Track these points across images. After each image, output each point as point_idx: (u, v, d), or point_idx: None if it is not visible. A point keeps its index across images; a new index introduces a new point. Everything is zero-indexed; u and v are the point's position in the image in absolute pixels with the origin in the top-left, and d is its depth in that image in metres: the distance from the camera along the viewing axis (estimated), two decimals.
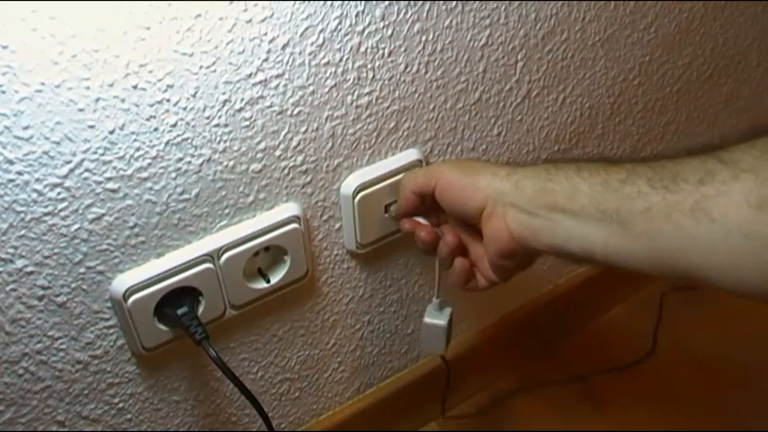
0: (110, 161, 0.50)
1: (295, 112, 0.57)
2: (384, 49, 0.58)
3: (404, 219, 0.62)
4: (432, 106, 0.65)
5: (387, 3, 0.56)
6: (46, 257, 0.51)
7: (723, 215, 0.42)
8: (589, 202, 0.49)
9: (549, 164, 0.53)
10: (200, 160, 0.54)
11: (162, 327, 0.57)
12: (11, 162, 0.46)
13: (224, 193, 0.57)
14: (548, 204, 0.51)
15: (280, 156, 0.58)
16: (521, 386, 0.94)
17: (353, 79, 0.58)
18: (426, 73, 0.62)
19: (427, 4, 0.59)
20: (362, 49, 0.57)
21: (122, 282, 0.54)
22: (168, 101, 0.50)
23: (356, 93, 0.59)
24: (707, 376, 0.94)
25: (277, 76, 0.54)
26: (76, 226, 0.51)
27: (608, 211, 0.47)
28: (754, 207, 0.41)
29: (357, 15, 0.55)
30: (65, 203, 0.50)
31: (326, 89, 0.57)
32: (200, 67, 0.50)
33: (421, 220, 0.61)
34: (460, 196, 0.56)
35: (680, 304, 1.04)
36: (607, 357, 0.97)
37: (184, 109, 0.51)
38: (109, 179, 0.50)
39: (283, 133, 0.57)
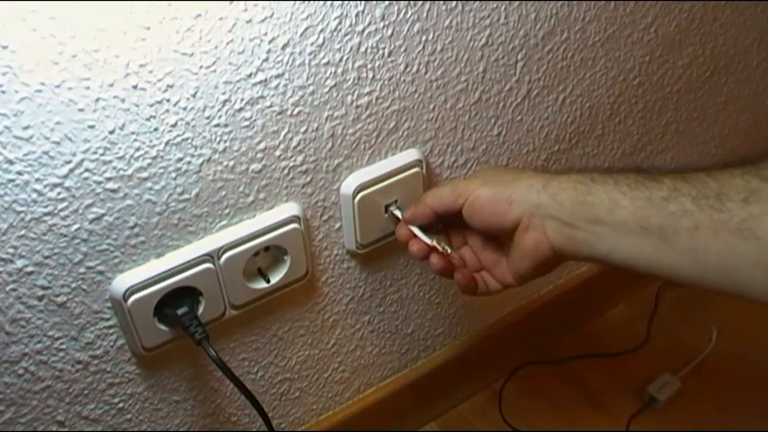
0: (110, 161, 0.50)
1: (295, 112, 0.57)
2: (384, 49, 0.58)
3: (401, 225, 0.62)
4: (432, 106, 0.65)
5: (387, 3, 0.56)
6: (46, 257, 0.51)
7: None
8: (632, 218, 0.49)
9: (584, 176, 0.53)
10: (200, 160, 0.54)
11: (162, 327, 0.57)
12: (11, 162, 0.46)
13: (224, 193, 0.57)
14: (588, 218, 0.51)
15: (280, 156, 0.58)
16: (520, 386, 0.94)
17: (353, 79, 0.58)
18: (426, 73, 0.62)
19: (427, 4, 0.59)
20: (362, 49, 0.57)
21: (122, 282, 0.54)
22: (168, 101, 0.50)
23: (356, 93, 0.59)
24: (701, 369, 0.94)
25: (277, 76, 0.54)
26: (76, 226, 0.51)
27: (652, 228, 0.48)
28: None
29: (357, 15, 0.55)
30: (65, 203, 0.50)
31: (326, 89, 0.57)
32: (200, 67, 0.50)
33: (416, 231, 0.61)
34: (493, 212, 0.56)
35: (676, 299, 1.04)
36: (603, 350, 0.98)
37: (184, 109, 0.51)
38: (109, 179, 0.50)
39: (283, 133, 0.57)
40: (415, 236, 0.61)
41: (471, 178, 0.59)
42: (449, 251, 0.60)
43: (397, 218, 0.64)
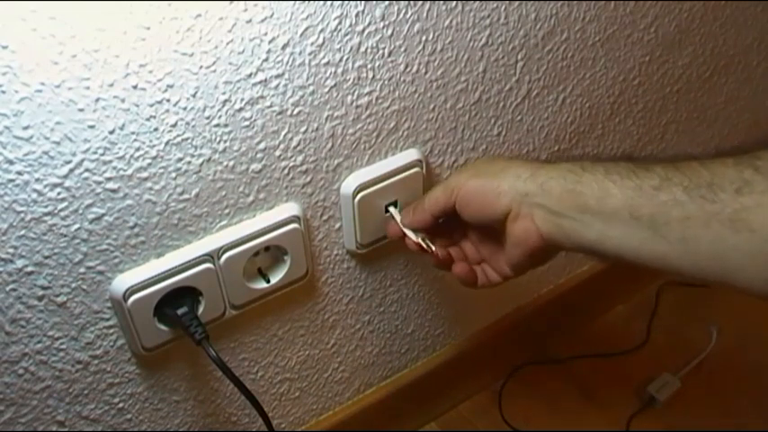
0: (110, 161, 0.50)
1: (295, 112, 0.57)
2: (384, 49, 0.58)
3: (392, 224, 0.63)
4: (432, 106, 0.65)
5: (387, 3, 0.56)
6: (46, 257, 0.51)
7: (763, 226, 0.42)
8: (622, 207, 0.49)
9: (574, 164, 0.53)
10: (200, 160, 0.54)
11: (162, 327, 0.57)
12: (11, 162, 0.46)
13: (224, 193, 0.57)
14: (577, 206, 0.51)
15: (280, 156, 0.58)
16: (521, 386, 0.94)
17: (353, 79, 0.58)
18: (426, 73, 0.62)
19: (427, 4, 0.59)
20: (362, 49, 0.57)
21: (122, 282, 0.54)
22: (168, 101, 0.50)
23: (356, 93, 0.59)
24: (702, 369, 0.94)
25: (277, 76, 0.54)
26: (76, 226, 0.51)
27: (642, 217, 0.48)
28: None
29: (357, 15, 0.55)
30: (65, 203, 0.50)
31: (326, 89, 0.57)
32: (200, 67, 0.50)
33: (410, 234, 0.62)
34: (483, 204, 0.56)
35: (676, 299, 1.05)
36: (603, 350, 0.98)
37: (184, 109, 0.51)
38: (109, 179, 0.50)
39: (283, 133, 0.57)
40: (413, 242, 0.61)
41: (461, 171, 0.59)
42: (432, 248, 0.60)
43: (393, 218, 0.65)
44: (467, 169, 0.59)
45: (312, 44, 0.54)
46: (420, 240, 0.61)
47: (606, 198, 0.49)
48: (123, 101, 0.48)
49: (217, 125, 0.53)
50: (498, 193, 0.55)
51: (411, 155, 0.66)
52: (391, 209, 0.65)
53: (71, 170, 0.49)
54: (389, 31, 0.58)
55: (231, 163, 0.56)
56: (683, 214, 0.46)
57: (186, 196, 0.55)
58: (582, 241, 0.51)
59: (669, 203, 0.46)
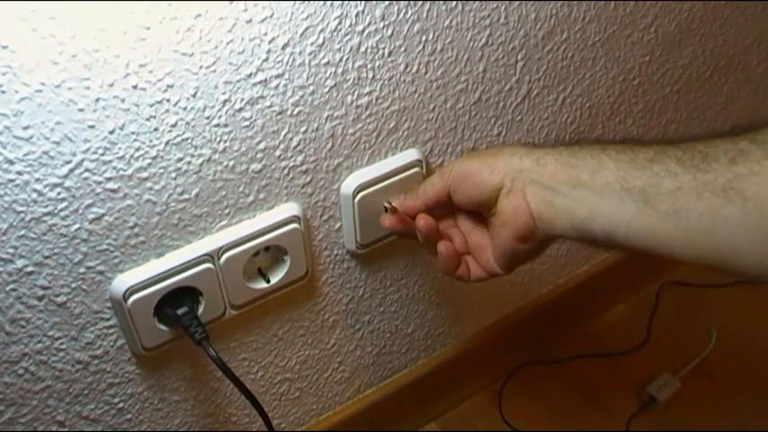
0: (110, 161, 0.50)
1: (295, 112, 0.57)
2: (384, 49, 0.58)
3: (385, 216, 0.60)
4: (432, 106, 0.65)
5: (387, 3, 0.56)
6: (46, 257, 0.51)
7: (757, 195, 0.41)
8: (614, 179, 0.48)
9: (571, 145, 0.52)
10: (200, 160, 0.54)
11: (162, 327, 0.57)
12: (11, 162, 0.46)
13: (224, 193, 0.57)
14: (570, 181, 0.50)
15: (280, 156, 0.58)
16: (521, 386, 0.94)
17: (353, 79, 0.58)
18: (426, 73, 0.62)
19: (427, 4, 0.59)
20: (362, 49, 0.57)
21: (122, 282, 0.54)
22: (168, 101, 0.50)
23: (356, 93, 0.59)
24: (702, 368, 0.94)
25: (277, 76, 0.54)
26: (76, 226, 0.51)
27: (634, 188, 0.46)
28: None
29: (357, 15, 0.55)
30: (65, 203, 0.50)
31: (326, 89, 0.57)
32: (200, 67, 0.50)
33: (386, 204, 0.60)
34: (476, 182, 0.55)
35: (676, 299, 1.05)
36: (603, 350, 0.98)
37: (184, 109, 0.51)
38: (109, 179, 0.50)
39: (283, 133, 0.57)
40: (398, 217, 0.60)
41: (456, 159, 0.58)
42: (392, 206, 0.59)
43: (385, 209, 0.62)
44: (461, 156, 0.57)
45: (312, 44, 0.54)
46: (384, 203, 0.59)
47: (599, 171, 0.49)
48: (123, 101, 0.48)
49: (217, 125, 0.53)
50: (492, 169, 0.54)
51: (411, 155, 0.66)
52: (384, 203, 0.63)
53: (71, 170, 0.49)
54: (389, 31, 0.58)
55: (231, 163, 0.56)
56: (674, 185, 0.44)
57: (186, 196, 0.55)
58: (573, 220, 0.50)
59: (661, 174, 0.45)
